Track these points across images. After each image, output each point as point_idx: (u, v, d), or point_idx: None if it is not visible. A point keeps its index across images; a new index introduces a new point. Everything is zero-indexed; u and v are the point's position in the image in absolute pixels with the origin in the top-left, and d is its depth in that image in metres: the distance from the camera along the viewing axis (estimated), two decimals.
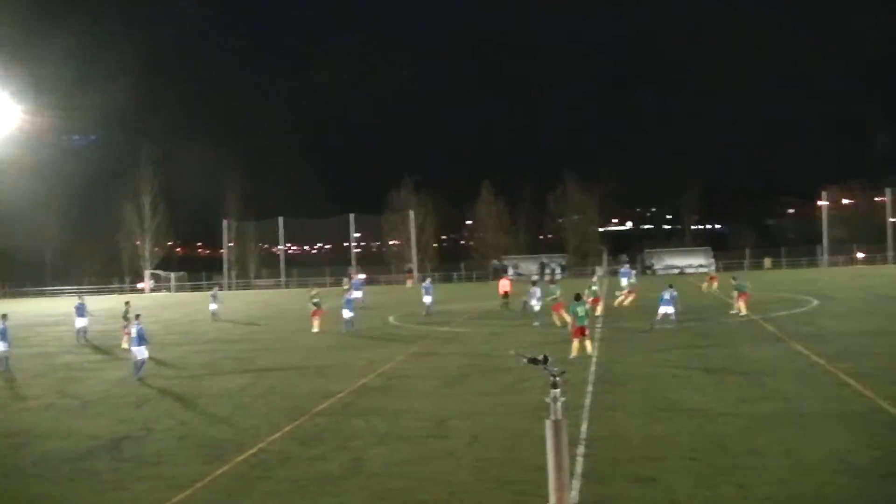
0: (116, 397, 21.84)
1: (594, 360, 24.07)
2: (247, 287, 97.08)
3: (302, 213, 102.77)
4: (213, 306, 46.62)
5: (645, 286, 50.01)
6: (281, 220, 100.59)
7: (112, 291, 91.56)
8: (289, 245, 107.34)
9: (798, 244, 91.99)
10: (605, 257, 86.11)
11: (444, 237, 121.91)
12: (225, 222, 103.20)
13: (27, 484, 13.87)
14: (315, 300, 37.31)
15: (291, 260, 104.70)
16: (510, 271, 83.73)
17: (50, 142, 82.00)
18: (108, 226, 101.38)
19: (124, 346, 30.81)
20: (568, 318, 28.82)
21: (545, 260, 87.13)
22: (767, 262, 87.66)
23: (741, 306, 35.19)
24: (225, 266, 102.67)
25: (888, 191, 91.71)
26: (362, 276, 71.76)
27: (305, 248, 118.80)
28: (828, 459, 12.89)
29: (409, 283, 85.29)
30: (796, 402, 17.25)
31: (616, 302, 42.29)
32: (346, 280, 65.64)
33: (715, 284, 49.71)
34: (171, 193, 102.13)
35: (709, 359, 23.73)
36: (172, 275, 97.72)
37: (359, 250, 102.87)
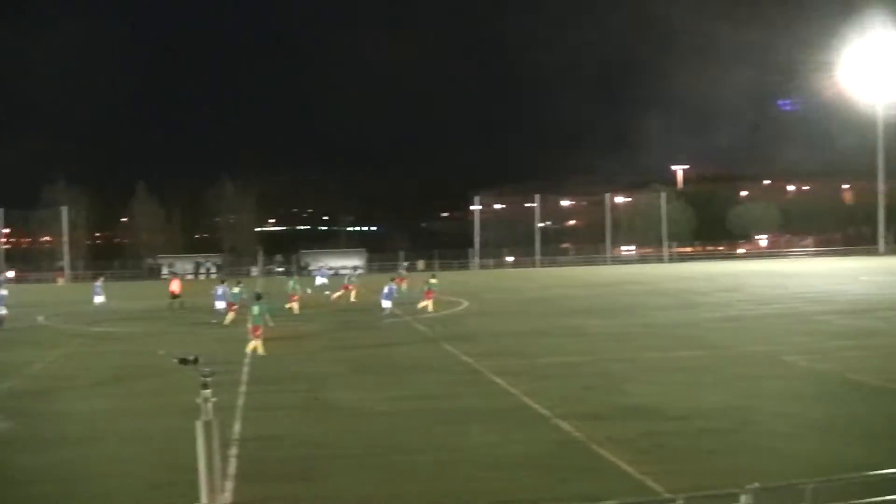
0: None
1: (247, 359, 24.15)
2: None
3: None
4: None
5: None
6: None
7: None
8: None
9: (451, 247, 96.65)
10: (260, 257, 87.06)
11: (98, 235, 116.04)
12: None
13: None
14: None
15: None
16: (164, 270, 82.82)
17: None
18: None
19: None
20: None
21: (200, 259, 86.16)
22: (421, 263, 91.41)
23: (428, 304, 37.97)
24: None
25: (537, 197, 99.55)
26: (10, 273, 67.06)
27: None
28: (474, 454, 13.75)
29: (60, 281, 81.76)
30: (445, 400, 18.30)
31: (333, 297, 44.63)
32: None
33: (404, 285, 51.17)
34: None
35: (361, 358, 24.53)
36: None
37: (8, 247, 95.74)
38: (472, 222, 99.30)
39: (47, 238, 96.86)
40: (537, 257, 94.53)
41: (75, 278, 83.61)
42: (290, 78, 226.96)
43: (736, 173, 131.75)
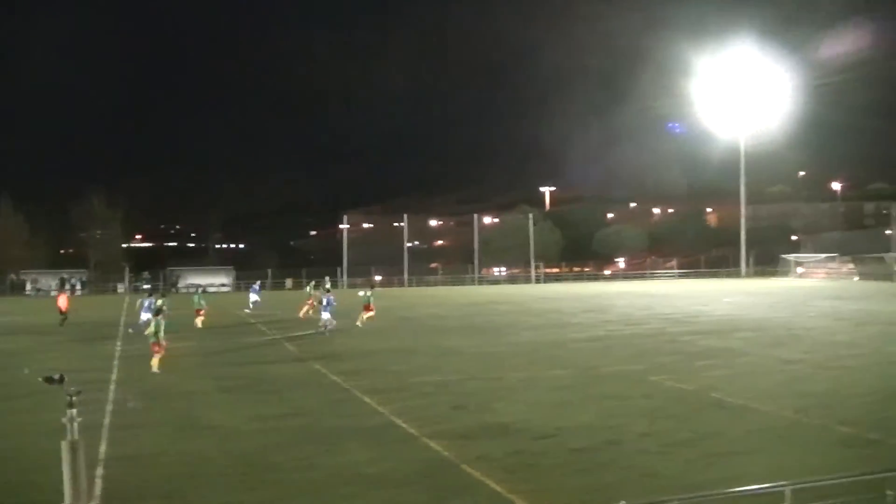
0: None
1: (113, 377, 23.87)
2: None
3: None
4: None
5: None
6: None
7: None
8: None
9: (320, 265, 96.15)
10: (127, 273, 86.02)
11: None
12: None
13: None
14: None
15: None
16: (28, 286, 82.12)
17: None
18: None
19: None
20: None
21: (66, 275, 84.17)
22: (289, 282, 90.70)
23: (365, 317, 39.36)
24: None
25: (405, 217, 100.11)
26: None
27: None
28: (346, 473, 13.71)
29: None
30: (315, 419, 18.20)
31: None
32: None
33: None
34: None
35: (232, 378, 24.25)
36: None
37: None
38: (340, 241, 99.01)
39: None
40: (406, 276, 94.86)
41: None
42: (163, 93, 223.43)
43: (603, 195, 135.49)
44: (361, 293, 41.68)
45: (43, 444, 15.24)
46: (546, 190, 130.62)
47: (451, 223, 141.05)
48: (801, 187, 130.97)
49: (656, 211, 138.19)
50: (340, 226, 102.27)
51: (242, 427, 17.36)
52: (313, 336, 35.81)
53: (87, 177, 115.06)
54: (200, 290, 49.75)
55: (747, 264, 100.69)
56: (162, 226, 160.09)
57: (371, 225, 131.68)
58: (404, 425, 17.21)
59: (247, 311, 48.60)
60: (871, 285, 72.06)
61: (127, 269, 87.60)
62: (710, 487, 11.57)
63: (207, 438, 16.38)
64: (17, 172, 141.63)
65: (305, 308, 44.21)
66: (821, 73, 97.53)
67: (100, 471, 13.77)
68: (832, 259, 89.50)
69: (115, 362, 27.77)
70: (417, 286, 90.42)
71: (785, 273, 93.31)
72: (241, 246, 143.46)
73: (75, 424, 7.53)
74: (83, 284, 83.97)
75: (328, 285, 50.08)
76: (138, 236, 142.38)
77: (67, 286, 76.62)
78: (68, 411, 7.47)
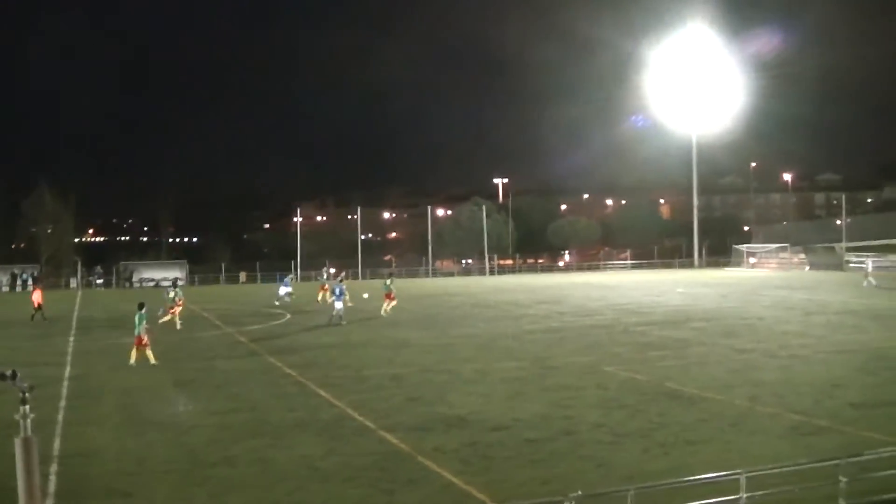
0: None
1: (67, 373, 23.79)
2: None
3: None
4: None
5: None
6: None
7: None
8: None
9: (273, 258, 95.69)
10: (80, 268, 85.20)
11: None
12: None
13: None
14: None
15: None
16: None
17: None
18: None
19: None
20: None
21: (16, 270, 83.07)
22: (243, 275, 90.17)
23: (389, 306, 40.56)
24: None
25: (359, 209, 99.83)
26: None
27: None
28: (299, 466, 13.67)
29: None
30: (268, 412, 18.11)
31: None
32: None
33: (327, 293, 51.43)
34: None
35: (182, 371, 24.10)
36: None
37: None
38: (294, 234, 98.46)
39: None
40: (359, 269, 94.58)
41: None
42: (116, 87, 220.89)
43: (556, 187, 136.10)
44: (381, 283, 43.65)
45: None
46: (499, 182, 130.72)
47: (405, 215, 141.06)
48: (753, 178, 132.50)
49: (609, 202, 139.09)
50: (294, 219, 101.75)
51: (195, 421, 17.27)
52: (267, 329, 35.63)
53: (37, 171, 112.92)
54: (178, 282, 50.94)
55: (700, 255, 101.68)
56: (114, 220, 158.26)
57: (324, 218, 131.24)
58: (360, 418, 17.17)
59: (276, 302, 48.75)
60: (822, 275, 73.06)
61: (79, 264, 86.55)
62: (665, 476, 11.69)
63: (160, 433, 16.25)
64: None
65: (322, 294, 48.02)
66: (771, 65, 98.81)
67: (54, 467, 13.68)
68: (783, 249, 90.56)
69: (69, 357, 27.58)
70: (371, 279, 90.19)
71: (737, 263, 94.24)
72: (195, 240, 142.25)
73: (28, 421, 7.40)
74: (34, 279, 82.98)
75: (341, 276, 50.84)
76: (90, 231, 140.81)
77: (19, 281, 75.85)
78: (21, 408, 7.34)
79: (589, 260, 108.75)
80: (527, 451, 14.40)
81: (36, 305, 42.01)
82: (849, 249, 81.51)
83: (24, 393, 7.45)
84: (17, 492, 7.35)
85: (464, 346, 28.80)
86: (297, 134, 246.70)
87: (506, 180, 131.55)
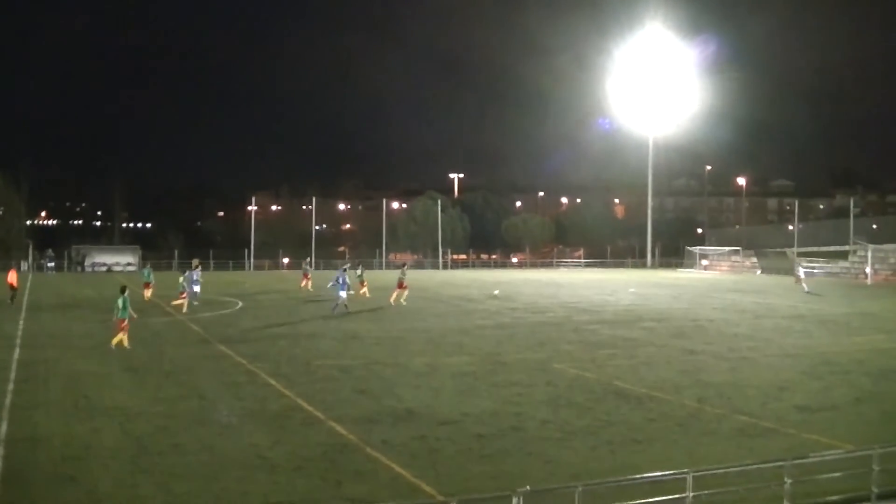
0: None
1: (16, 356, 23.65)
2: None
3: None
4: None
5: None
6: None
7: None
8: None
9: (226, 247, 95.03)
10: (31, 251, 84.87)
11: None
12: None
13: None
14: None
15: None
16: None
17: None
18: None
19: None
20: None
21: None
22: (195, 262, 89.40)
23: (402, 295, 42.26)
24: None
25: (314, 199, 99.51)
26: None
27: None
28: (247, 455, 13.60)
29: None
30: (216, 401, 18.03)
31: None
32: None
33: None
34: None
35: (132, 358, 23.79)
36: None
37: None
38: (248, 223, 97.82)
39: None
40: (312, 259, 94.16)
41: None
42: (71, 71, 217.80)
43: (512, 184, 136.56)
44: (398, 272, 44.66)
45: None
46: (455, 177, 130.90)
47: (360, 207, 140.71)
48: (707, 182, 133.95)
49: (564, 201, 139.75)
50: (248, 207, 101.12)
51: (144, 408, 17.11)
52: (218, 317, 35.39)
53: None
54: (149, 265, 52.10)
55: (653, 256, 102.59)
56: (67, 203, 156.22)
57: (279, 207, 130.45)
58: (309, 408, 17.14)
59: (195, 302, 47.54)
60: (773, 279, 73.92)
61: (31, 247, 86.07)
62: (613, 474, 11.78)
63: (107, 419, 16.09)
64: None
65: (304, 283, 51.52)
66: (727, 69, 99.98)
67: (0, 451, 13.66)
68: (736, 252, 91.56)
69: (18, 341, 27.28)
70: (325, 270, 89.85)
71: (690, 265, 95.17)
72: (149, 225, 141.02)
73: None
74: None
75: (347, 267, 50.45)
76: (43, 213, 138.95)
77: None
78: None
79: (542, 257, 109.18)
80: (475, 446, 14.43)
81: (13, 286, 41.81)
82: (800, 255, 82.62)
83: None
84: None
85: (414, 340, 28.79)
86: (255, 125, 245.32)
87: (461, 175, 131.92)
